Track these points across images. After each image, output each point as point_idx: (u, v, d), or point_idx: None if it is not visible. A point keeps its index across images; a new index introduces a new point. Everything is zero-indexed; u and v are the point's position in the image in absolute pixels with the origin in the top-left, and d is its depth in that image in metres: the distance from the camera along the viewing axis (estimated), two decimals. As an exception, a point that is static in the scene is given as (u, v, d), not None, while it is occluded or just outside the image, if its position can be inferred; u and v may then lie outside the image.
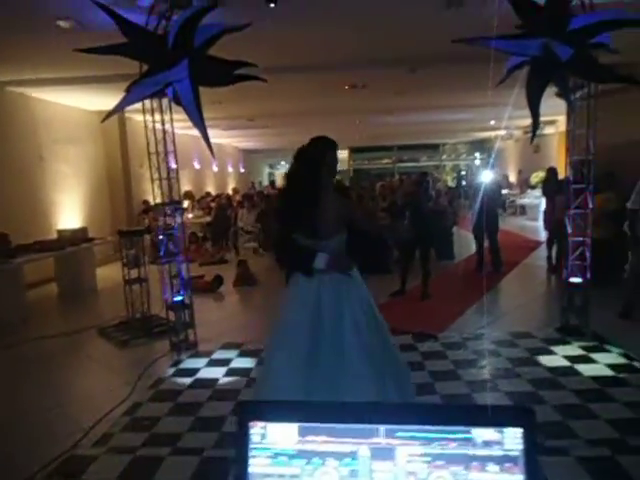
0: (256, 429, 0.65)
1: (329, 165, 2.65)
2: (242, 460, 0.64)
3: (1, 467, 2.83)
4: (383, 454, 0.64)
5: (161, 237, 4.79)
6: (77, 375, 4.24)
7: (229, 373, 4.12)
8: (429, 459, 0.63)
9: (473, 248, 7.75)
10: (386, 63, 6.85)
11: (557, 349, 4.23)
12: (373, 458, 0.64)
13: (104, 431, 3.19)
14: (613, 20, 3.70)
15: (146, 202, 10.33)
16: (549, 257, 7.34)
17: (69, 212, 8.65)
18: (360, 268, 2.75)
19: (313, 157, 2.61)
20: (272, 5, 4.25)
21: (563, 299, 4.71)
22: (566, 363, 3.94)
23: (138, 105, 4.44)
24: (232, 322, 5.68)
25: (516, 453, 0.62)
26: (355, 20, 5.06)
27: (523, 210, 14.27)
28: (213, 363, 4.36)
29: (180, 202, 5.11)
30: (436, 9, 4.67)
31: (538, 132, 4.80)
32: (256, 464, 0.64)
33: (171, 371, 4.22)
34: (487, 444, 0.62)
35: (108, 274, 7.72)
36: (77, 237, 7.19)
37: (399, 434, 0.64)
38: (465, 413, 0.64)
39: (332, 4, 4.61)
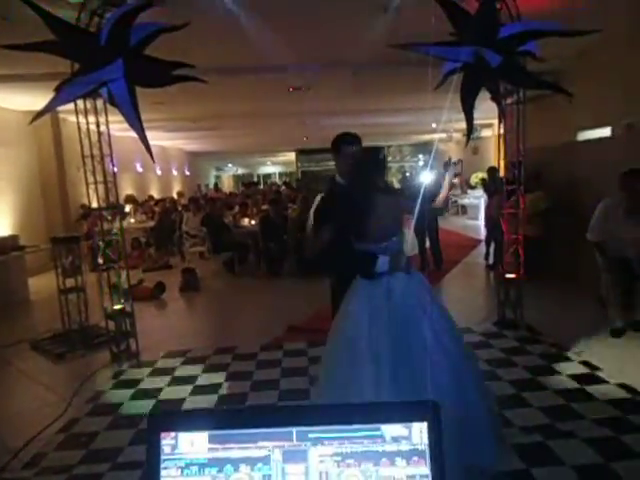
0: (167, 440, 0.63)
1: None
2: (153, 472, 0.62)
3: None
4: (295, 456, 0.64)
5: (99, 243, 4.59)
6: (6, 392, 3.98)
7: (173, 382, 4.01)
8: (340, 458, 0.64)
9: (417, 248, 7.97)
10: (328, 66, 6.92)
11: (495, 342, 4.42)
12: (285, 461, 0.64)
13: (36, 451, 3.01)
14: (538, 30, 3.94)
15: (84, 206, 9.86)
16: (487, 254, 7.67)
17: (-2, 219, 8.11)
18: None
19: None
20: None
21: (500, 294, 4.93)
22: (502, 355, 4.12)
23: (72, 106, 4.24)
24: (176, 330, 5.53)
25: (422, 447, 0.64)
26: (296, 22, 5.09)
27: (464, 210, 14.84)
28: (156, 372, 4.22)
29: (121, 206, 4.93)
30: (373, 13, 4.78)
31: (476, 135, 5.03)
32: (167, 475, 0.63)
33: (111, 383, 4.05)
34: (395, 440, 0.64)
35: (43, 284, 7.31)
36: (6, 245, 6.76)
37: (311, 435, 0.64)
38: (373, 411, 0.66)
39: (273, 6, 4.60)
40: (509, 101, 4.67)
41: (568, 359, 3.95)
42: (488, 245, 7.70)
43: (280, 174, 29.50)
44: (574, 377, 3.60)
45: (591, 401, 3.23)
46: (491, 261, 7.46)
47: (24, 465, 2.87)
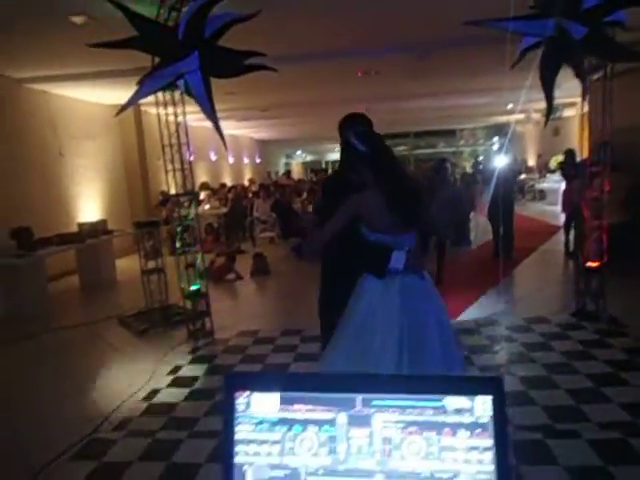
0: (241, 399, 0.69)
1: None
2: (229, 427, 0.68)
3: (26, 450, 2.96)
4: (360, 421, 0.67)
5: (177, 228, 4.88)
6: (97, 363, 4.38)
7: (245, 360, 4.21)
8: (403, 425, 0.66)
9: (490, 234, 7.68)
10: (398, 48, 6.78)
11: (572, 334, 4.20)
12: (350, 425, 0.67)
13: (124, 416, 3.31)
14: (628, -3, 3.61)
15: (164, 193, 10.47)
16: (566, 242, 7.23)
17: (88, 205, 8.84)
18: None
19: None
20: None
21: (579, 283, 4.65)
22: (581, 348, 3.91)
23: (152, 98, 4.52)
24: (247, 311, 5.77)
25: (485, 420, 0.65)
26: (364, 5, 5.02)
27: (542, 195, 14.03)
28: (229, 350, 4.45)
29: (196, 193, 5.19)
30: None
31: (557, 114, 4.72)
32: (241, 430, 0.69)
33: (189, 358, 4.32)
34: (458, 411, 0.65)
35: (127, 265, 7.89)
36: (97, 229, 7.35)
37: (375, 402, 0.67)
38: (438, 383, 0.67)
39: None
40: (595, 77, 4.33)
41: (655, 354, 3.67)
42: (567, 232, 7.25)
43: (348, 160, 29.39)
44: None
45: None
46: (571, 249, 7.03)
47: (114, 427, 3.17)
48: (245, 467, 0.68)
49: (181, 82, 4.09)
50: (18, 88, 7.28)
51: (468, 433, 0.65)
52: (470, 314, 4.92)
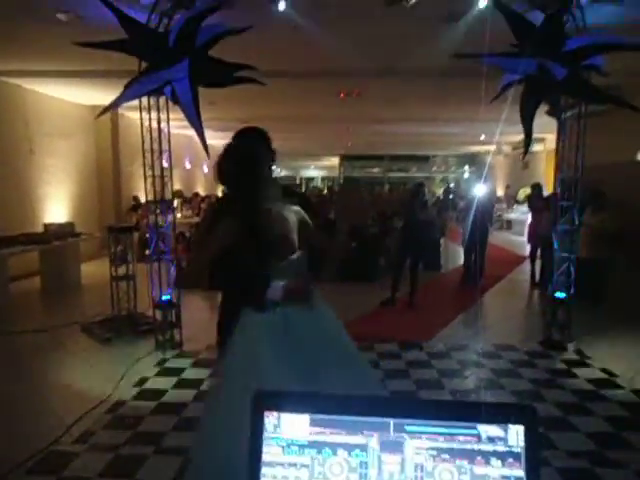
0: (270, 418, 0.67)
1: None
2: (256, 449, 0.66)
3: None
4: (392, 447, 0.66)
5: (150, 235, 4.77)
6: (59, 371, 4.18)
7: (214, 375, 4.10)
8: (435, 452, 0.66)
9: (460, 260, 7.86)
10: (381, 73, 6.93)
11: (540, 362, 4.30)
12: (382, 450, 0.66)
13: (86, 428, 3.16)
14: (607, 43, 3.83)
15: (136, 198, 10.24)
16: (532, 272, 7.46)
17: (57, 206, 8.55)
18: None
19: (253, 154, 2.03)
20: (278, 6, 4.26)
21: (547, 313, 4.79)
22: (548, 376, 4.00)
23: (133, 103, 4.44)
24: (218, 323, 5.65)
25: (518, 450, 0.65)
26: (354, 30, 5.12)
27: (509, 225, 14.48)
28: (199, 364, 4.33)
29: (171, 201, 5.10)
30: (435, 24, 4.76)
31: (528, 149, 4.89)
32: (269, 452, 0.66)
33: (155, 370, 4.19)
34: (491, 440, 0.65)
35: (93, 270, 7.63)
36: (64, 231, 7.10)
37: (408, 428, 0.66)
38: (470, 409, 0.67)
39: (334, 13, 4.66)
40: (568, 114, 4.54)
41: (619, 386, 3.79)
42: (533, 263, 7.49)
43: (322, 178, 29.64)
44: (624, 405, 3.45)
45: (643, 431, 3.09)
46: (537, 279, 7.25)
47: (74, 440, 3.01)
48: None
49: (168, 89, 4.05)
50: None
51: (500, 462, 0.65)
52: (440, 338, 4.98)
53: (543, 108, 4.60)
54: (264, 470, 0.65)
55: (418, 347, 4.67)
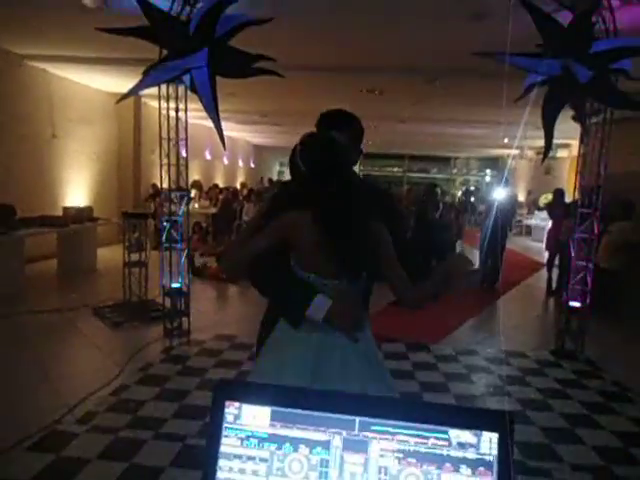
0: (231, 409, 0.64)
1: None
2: (215, 439, 0.63)
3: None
4: (355, 446, 0.63)
5: (164, 223, 4.79)
6: (67, 352, 4.24)
7: (219, 364, 4.11)
8: (401, 455, 0.62)
9: (476, 263, 7.72)
10: (405, 71, 6.84)
11: (550, 371, 4.20)
12: (345, 449, 0.63)
13: (89, 409, 3.19)
14: (636, 46, 3.69)
15: (155, 186, 10.32)
16: (549, 280, 7.30)
17: (76, 190, 8.68)
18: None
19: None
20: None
21: (560, 322, 4.67)
22: (557, 386, 3.91)
23: (154, 91, 4.46)
24: (227, 314, 5.68)
25: (490, 458, 0.61)
26: (379, 26, 5.06)
27: (529, 230, 14.22)
28: (204, 353, 4.35)
29: (187, 190, 5.12)
30: (461, 21, 4.67)
31: (551, 154, 4.76)
32: (228, 444, 0.64)
33: (162, 357, 4.22)
34: (462, 446, 0.62)
35: (109, 255, 7.74)
36: (82, 215, 7.20)
37: (374, 427, 0.63)
38: (443, 413, 0.63)
39: (358, 8, 4.61)
40: (593, 120, 4.41)
41: (631, 400, 3.68)
42: (550, 270, 7.32)
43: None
44: (635, 420, 3.35)
45: (652, 449, 2.99)
46: (553, 287, 7.09)
47: (77, 420, 3.05)
48: (225, 484, 0.63)
49: (187, 77, 4.05)
50: (18, 63, 7.15)
51: (470, 470, 0.61)
52: (449, 341, 4.90)
53: (569, 113, 4.47)
54: (221, 462, 0.63)
55: (426, 349, 4.61)
